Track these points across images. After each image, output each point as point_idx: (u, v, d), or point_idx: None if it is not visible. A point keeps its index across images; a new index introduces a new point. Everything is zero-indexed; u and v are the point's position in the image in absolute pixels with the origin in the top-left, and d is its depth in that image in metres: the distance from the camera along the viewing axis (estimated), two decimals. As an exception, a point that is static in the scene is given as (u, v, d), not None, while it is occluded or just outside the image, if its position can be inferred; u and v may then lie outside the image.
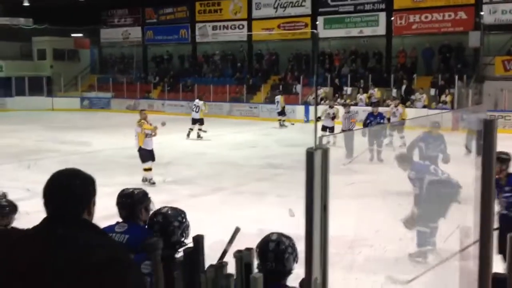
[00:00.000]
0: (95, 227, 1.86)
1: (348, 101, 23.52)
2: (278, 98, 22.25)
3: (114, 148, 15.91)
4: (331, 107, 16.53)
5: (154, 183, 10.83)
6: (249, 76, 28.53)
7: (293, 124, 22.32)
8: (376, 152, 13.14)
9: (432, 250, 6.32)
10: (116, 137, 18.57)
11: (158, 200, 8.84)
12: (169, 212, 3.12)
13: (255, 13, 28.84)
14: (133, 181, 10.19)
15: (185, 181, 11.32)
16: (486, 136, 2.30)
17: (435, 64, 24.27)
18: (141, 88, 30.54)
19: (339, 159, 11.94)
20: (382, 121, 14.02)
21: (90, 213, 1.86)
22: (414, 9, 24.13)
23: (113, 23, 34.50)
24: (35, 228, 1.82)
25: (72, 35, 34.38)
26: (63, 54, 34.16)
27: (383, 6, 25.05)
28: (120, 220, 3.46)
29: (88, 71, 35.30)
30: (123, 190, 3.58)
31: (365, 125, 13.96)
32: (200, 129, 18.30)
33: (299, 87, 25.83)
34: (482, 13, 22.39)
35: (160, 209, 3.21)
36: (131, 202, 3.45)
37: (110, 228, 3.32)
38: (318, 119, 15.44)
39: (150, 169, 11.03)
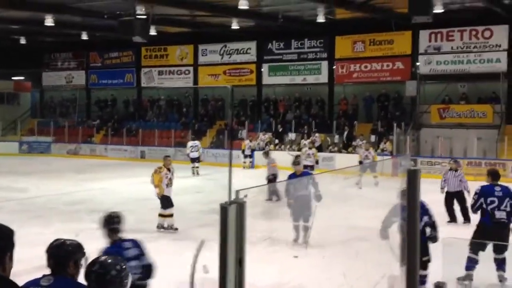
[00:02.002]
0: (11, 283, 1.77)
1: (295, 148, 23.92)
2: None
3: (53, 194, 15.42)
4: (310, 148, 19.14)
5: (177, 229, 10.76)
6: (195, 121, 28.57)
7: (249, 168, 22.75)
8: (302, 229, 9.65)
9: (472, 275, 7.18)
10: (56, 182, 18.05)
11: (94, 248, 8.55)
12: (107, 260, 3.06)
13: (201, 59, 29.16)
14: (71, 229, 9.86)
15: (126, 229, 11.01)
16: (410, 184, 2.37)
17: (375, 112, 25.09)
18: (83, 132, 29.95)
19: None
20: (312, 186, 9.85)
21: (5, 268, 1.78)
22: (354, 58, 25.05)
23: (56, 67, 33.98)
24: None
25: (13, 78, 33.57)
26: (2, 98, 33.25)
27: (325, 55, 25.88)
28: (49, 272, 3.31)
29: (28, 114, 34.39)
30: (54, 240, 3.43)
31: (287, 192, 10.11)
32: (197, 167, 20.60)
33: (244, 133, 26.04)
34: (418, 63, 23.49)
35: (98, 257, 3.11)
36: (61, 253, 3.30)
37: (35, 281, 3.15)
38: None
39: (165, 216, 10.79)
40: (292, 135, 25.00)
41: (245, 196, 1.41)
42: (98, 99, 32.80)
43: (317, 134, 23.21)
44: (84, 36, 27.67)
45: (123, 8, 19.21)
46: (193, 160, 20.76)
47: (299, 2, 19.49)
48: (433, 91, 23.45)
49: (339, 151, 22.77)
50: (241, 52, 28.01)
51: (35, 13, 21.83)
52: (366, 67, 24.87)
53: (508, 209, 7.40)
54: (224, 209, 1.38)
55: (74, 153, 28.84)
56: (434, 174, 19.99)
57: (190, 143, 21.44)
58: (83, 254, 3.38)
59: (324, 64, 25.90)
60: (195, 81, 29.32)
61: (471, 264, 7.24)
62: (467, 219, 11.53)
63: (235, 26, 24.29)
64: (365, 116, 25.32)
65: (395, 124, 22.36)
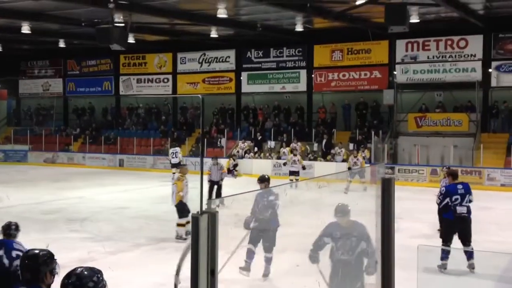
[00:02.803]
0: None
1: (274, 156, 23.99)
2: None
3: (29, 203, 15.18)
4: (294, 155, 20.06)
5: (185, 239, 10.61)
6: (174, 129, 28.47)
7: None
8: (263, 260, 8.06)
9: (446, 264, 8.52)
10: (32, 191, 17.80)
11: (73, 258, 8.49)
12: (84, 272, 2.99)
13: (180, 67, 29.11)
14: (47, 238, 9.77)
15: (104, 238, 10.92)
16: (384, 193, 2.41)
17: (353, 120, 25.30)
18: (60, 140, 29.62)
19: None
20: (275, 207, 8.03)
21: None
22: (332, 67, 25.26)
23: (33, 74, 33.60)
24: None
25: (-12, 85, 33.12)
26: (-22, 105, 32.74)
27: (303, 64, 26.05)
28: None
29: (4, 122, 33.90)
30: (27, 252, 3.40)
31: (247, 225, 7.93)
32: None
33: (223, 141, 26.03)
34: (395, 72, 23.78)
35: (74, 269, 3.05)
36: (36, 264, 3.28)
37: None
38: (284, 164, 20.73)
39: (184, 225, 10.86)
40: (271, 143, 25.06)
41: (218, 205, 1.42)
42: (76, 107, 32.49)
43: (299, 143, 23.33)
44: (62, 44, 27.43)
45: (101, 16, 19.09)
46: (173, 165, 21.02)
47: (278, 11, 19.61)
48: (410, 99, 23.75)
49: (315, 159, 22.84)
50: (220, 60, 28.04)
51: (11, 21, 21.58)
52: (344, 75, 25.10)
53: (468, 204, 8.66)
54: (195, 219, 1.38)
55: (51, 162, 28.49)
56: (412, 181, 20.25)
57: (170, 150, 21.91)
58: (56, 262, 3.36)
59: (303, 73, 26.06)
60: (174, 89, 29.25)
61: (445, 254, 8.57)
62: None
63: (214, 34, 24.33)
64: (344, 124, 25.50)
65: (373, 132, 22.57)
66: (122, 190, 18.71)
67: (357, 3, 16.92)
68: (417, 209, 13.61)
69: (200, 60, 28.48)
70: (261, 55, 27.00)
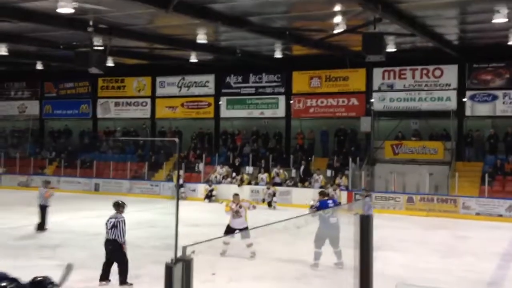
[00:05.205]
0: None
1: (252, 182, 23.88)
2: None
3: (1, 228, 14.81)
4: (268, 188, 21.77)
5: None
6: (151, 153, 28.24)
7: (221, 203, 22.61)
8: None
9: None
10: (5, 216, 17.39)
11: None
12: None
13: (159, 91, 29.05)
14: (17, 266, 9.49)
15: (76, 265, 10.65)
16: (362, 230, 2.39)
17: (331, 146, 25.42)
18: (35, 163, 29.17)
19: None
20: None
21: None
22: (311, 94, 25.47)
23: (9, 96, 33.20)
24: None
25: (-37, 106, 32.56)
26: (-49, 126, 32.11)
27: (282, 90, 26.23)
28: None
29: (-23, 144, 33.32)
30: None
31: None
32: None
33: (201, 166, 25.88)
34: (372, 100, 24.07)
35: None
36: None
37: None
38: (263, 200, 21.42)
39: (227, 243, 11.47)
40: (249, 169, 24.99)
41: (193, 252, 1.36)
42: (52, 129, 32.10)
43: (281, 170, 23.35)
44: (39, 66, 27.20)
45: (79, 39, 19.00)
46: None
47: (257, 38, 19.75)
48: (387, 127, 23.98)
49: (294, 185, 22.87)
50: (199, 85, 28.09)
51: (-12, 42, 21.34)
52: (322, 102, 25.30)
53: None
54: (168, 269, 1.33)
55: (26, 185, 27.96)
56: (388, 209, 20.33)
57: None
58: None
59: (282, 99, 26.21)
60: (153, 113, 29.14)
61: (317, 256, 10.44)
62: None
63: (193, 59, 24.39)
64: (322, 151, 25.60)
65: (350, 159, 22.67)
66: (97, 215, 18.29)
67: (335, 31, 17.15)
68: (393, 237, 13.64)
69: (179, 84, 28.49)
70: (240, 81, 27.13)
